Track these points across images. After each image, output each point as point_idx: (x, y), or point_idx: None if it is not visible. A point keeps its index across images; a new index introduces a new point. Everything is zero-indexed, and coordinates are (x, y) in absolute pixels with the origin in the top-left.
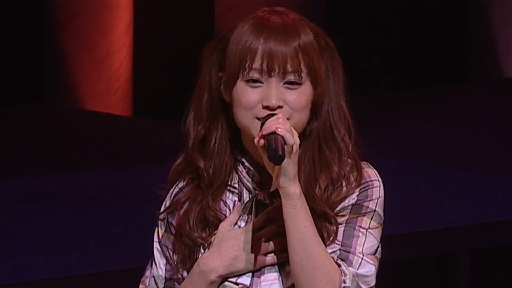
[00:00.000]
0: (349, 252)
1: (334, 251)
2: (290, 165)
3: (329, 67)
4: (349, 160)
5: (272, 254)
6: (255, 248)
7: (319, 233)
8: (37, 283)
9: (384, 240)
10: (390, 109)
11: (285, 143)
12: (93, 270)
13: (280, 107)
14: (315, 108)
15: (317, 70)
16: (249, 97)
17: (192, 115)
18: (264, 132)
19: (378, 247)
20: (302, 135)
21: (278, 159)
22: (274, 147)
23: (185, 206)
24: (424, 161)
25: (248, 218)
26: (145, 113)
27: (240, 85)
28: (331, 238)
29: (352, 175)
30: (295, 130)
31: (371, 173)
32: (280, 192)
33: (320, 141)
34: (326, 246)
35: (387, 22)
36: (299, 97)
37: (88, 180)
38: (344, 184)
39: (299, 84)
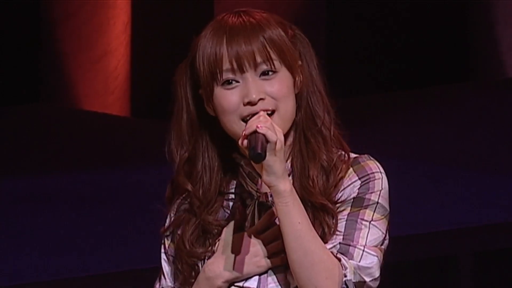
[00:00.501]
0: (350, 245)
1: (334, 245)
2: (276, 163)
3: (301, 54)
4: (334, 149)
5: (277, 256)
6: (260, 251)
7: (320, 228)
8: (36, 285)
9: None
10: (390, 109)
11: (267, 141)
12: (91, 272)
13: (261, 99)
14: (297, 100)
15: (289, 56)
16: (229, 99)
17: (174, 140)
18: (246, 132)
19: (384, 239)
20: (292, 130)
21: (257, 158)
22: (254, 146)
23: (180, 229)
24: (424, 161)
25: (251, 220)
26: (143, 113)
27: (218, 91)
28: (332, 231)
29: (341, 159)
30: (286, 121)
31: (372, 165)
32: (271, 190)
33: (305, 131)
34: (327, 240)
35: (387, 21)
36: (279, 85)
37: (85, 181)
38: (334, 170)
39: (275, 72)
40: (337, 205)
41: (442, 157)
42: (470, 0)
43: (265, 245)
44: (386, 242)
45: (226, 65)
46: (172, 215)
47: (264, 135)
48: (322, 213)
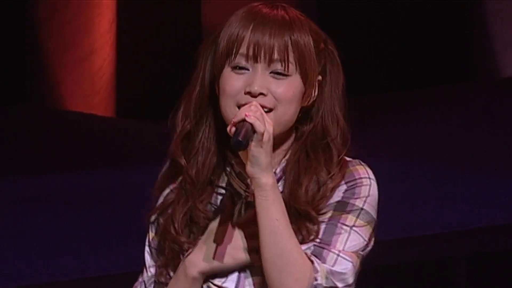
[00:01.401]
0: (324, 249)
1: (309, 247)
2: (262, 155)
3: (327, 71)
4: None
5: (258, 253)
6: (240, 244)
7: (298, 232)
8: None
9: (380, 245)
10: (388, 110)
11: (254, 131)
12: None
13: (262, 94)
14: (310, 111)
15: (308, 66)
16: (233, 83)
17: (182, 109)
18: (235, 119)
19: (365, 245)
20: (294, 136)
21: (236, 145)
22: (238, 133)
23: (169, 210)
24: (421, 162)
25: (237, 218)
26: (129, 114)
27: (226, 72)
28: (312, 237)
29: (338, 177)
30: (280, 124)
31: (361, 171)
32: (252, 182)
33: (308, 144)
34: (304, 243)
35: (385, 21)
36: (286, 88)
37: (71, 183)
38: (329, 186)
39: (286, 75)
40: (321, 212)
41: (441, 158)
42: (467, 1)
43: (246, 239)
44: (368, 249)
45: (243, 48)
46: (158, 203)
47: (251, 124)
48: (304, 220)
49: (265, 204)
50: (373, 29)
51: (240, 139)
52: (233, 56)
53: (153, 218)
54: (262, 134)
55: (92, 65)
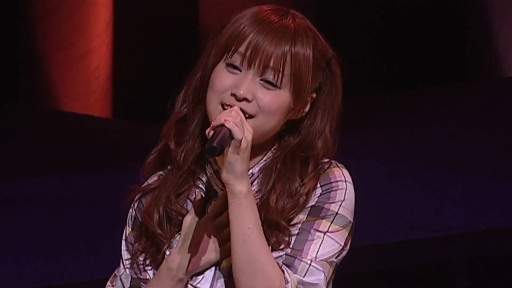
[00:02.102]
0: (296, 258)
1: (281, 255)
2: (238, 162)
3: (324, 90)
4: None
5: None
6: (215, 238)
7: (266, 239)
8: None
9: (379, 248)
10: (388, 110)
11: (232, 137)
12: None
13: (246, 100)
14: (299, 124)
15: (301, 83)
16: (222, 80)
17: (183, 92)
18: (214, 123)
19: (340, 250)
20: (278, 143)
21: (210, 151)
22: (213, 138)
23: (150, 195)
24: (419, 164)
25: (211, 219)
26: (126, 115)
27: (220, 66)
28: (281, 246)
29: (312, 181)
30: (259, 134)
31: (337, 173)
32: (227, 188)
33: (287, 153)
34: (273, 251)
35: (385, 21)
36: (272, 99)
37: (65, 185)
38: (301, 193)
39: (276, 87)
40: (293, 221)
41: (441, 159)
42: (467, 0)
43: (220, 232)
44: (344, 253)
45: (241, 48)
46: (143, 185)
47: (230, 130)
48: (273, 229)
49: (238, 211)
50: (373, 29)
51: (214, 145)
52: (230, 52)
53: (131, 210)
54: (240, 141)
55: (88, 65)
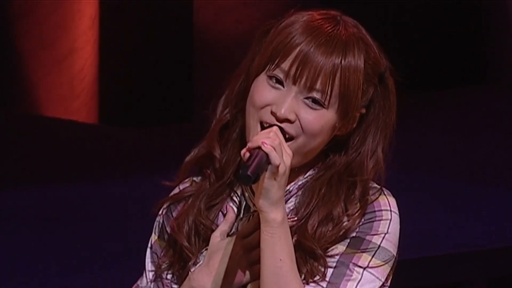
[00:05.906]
0: None
1: None
2: (274, 188)
3: (375, 105)
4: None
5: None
6: (243, 259)
7: (299, 268)
8: None
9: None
10: (401, 114)
11: (269, 162)
12: None
13: (288, 121)
14: (345, 141)
15: (351, 99)
16: (263, 94)
17: (224, 96)
18: (250, 145)
19: (381, 286)
20: (322, 164)
21: (243, 179)
22: (248, 164)
23: (181, 204)
24: (434, 175)
25: (241, 235)
26: (113, 120)
27: (262, 78)
28: (316, 278)
29: (357, 217)
30: (299, 154)
31: (382, 202)
32: (260, 216)
33: (335, 177)
34: (308, 283)
35: (397, 20)
36: (317, 119)
37: (47, 197)
38: (345, 226)
39: (323, 107)
40: (330, 250)
41: (455, 171)
42: (488, 0)
43: (248, 252)
44: None
45: (285, 64)
46: (173, 193)
47: (267, 154)
48: (308, 257)
49: (270, 240)
50: (383, 28)
51: (249, 173)
52: (273, 65)
53: (158, 217)
54: (277, 167)
55: (72, 66)
